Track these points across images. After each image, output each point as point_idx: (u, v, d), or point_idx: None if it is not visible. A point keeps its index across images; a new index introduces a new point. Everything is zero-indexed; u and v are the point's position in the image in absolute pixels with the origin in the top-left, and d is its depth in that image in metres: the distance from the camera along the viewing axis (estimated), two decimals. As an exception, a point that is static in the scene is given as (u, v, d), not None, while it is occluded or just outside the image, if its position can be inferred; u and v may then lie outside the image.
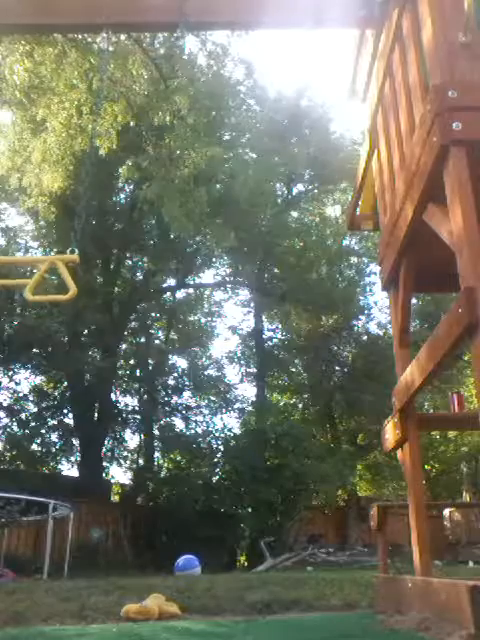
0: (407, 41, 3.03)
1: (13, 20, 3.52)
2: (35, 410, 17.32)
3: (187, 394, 19.07)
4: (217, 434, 17.32)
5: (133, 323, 19.01)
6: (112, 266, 18.33)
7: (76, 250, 3.41)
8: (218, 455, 16.36)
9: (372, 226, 4.22)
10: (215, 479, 15.74)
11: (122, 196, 18.49)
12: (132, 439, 18.98)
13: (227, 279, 21.14)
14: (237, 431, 17.37)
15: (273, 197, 17.82)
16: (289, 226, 18.41)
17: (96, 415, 17.06)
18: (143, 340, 19.04)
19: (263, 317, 20.55)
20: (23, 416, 16.90)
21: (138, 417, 18.58)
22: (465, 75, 2.56)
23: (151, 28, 5.80)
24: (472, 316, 2.16)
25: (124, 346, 18.79)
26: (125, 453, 19.05)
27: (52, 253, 16.77)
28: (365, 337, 19.38)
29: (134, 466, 18.65)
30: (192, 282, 20.34)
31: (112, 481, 18.42)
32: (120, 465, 18.82)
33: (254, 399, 19.28)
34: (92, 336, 17.19)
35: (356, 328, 19.64)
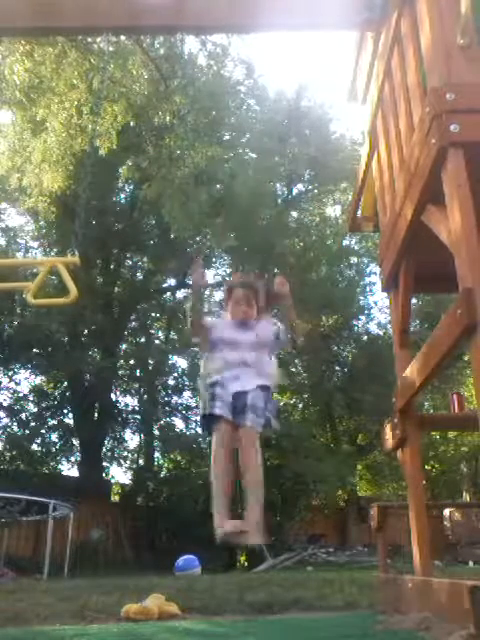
0: (406, 43, 3.04)
1: (13, 24, 3.52)
2: (35, 410, 17.33)
3: (187, 394, 19.06)
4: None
5: (133, 323, 18.99)
6: (112, 266, 18.33)
7: (76, 252, 3.41)
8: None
9: (372, 228, 4.23)
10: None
11: (122, 196, 18.51)
12: (132, 439, 18.98)
13: (227, 279, 21.09)
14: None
15: (273, 197, 17.81)
16: (289, 226, 18.40)
17: (96, 415, 17.06)
18: (143, 340, 19.02)
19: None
20: (23, 416, 16.90)
21: (138, 417, 18.56)
22: (463, 77, 2.56)
23: (151, 31, 5.79)
24: (471, 317, 2.16)
25: (124, 346, 18.78)
26: (125, 453, 19.01)
27: (52, 253, 16.77)
28: (365, 337, 19.38)
29: (134, 466, 18.63)
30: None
31: (112, 481, 18.40)
32: (120, 465, 18.80)
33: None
34: (92, 336, 17.18)
35: (356, 328, 19.64)
